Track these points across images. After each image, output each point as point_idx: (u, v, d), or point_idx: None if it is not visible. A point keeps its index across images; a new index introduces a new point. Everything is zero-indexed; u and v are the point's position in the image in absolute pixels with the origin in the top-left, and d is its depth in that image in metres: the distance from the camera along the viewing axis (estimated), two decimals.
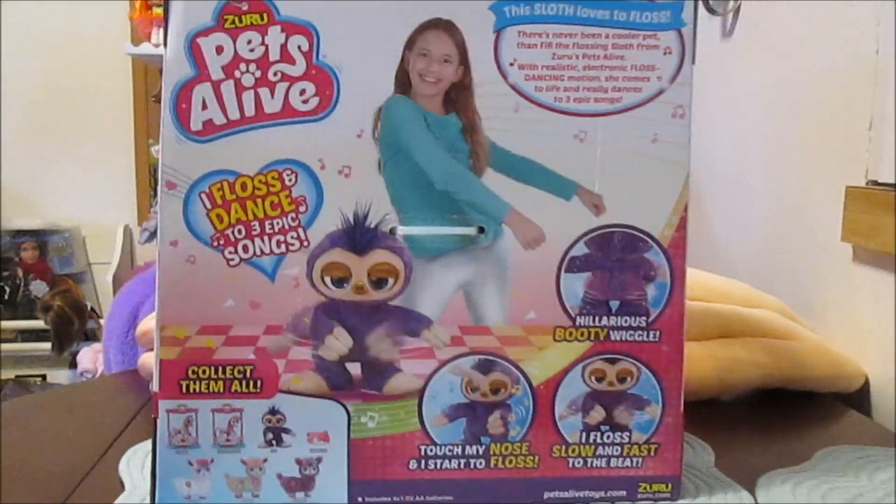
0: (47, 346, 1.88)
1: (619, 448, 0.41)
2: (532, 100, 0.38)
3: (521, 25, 0.38)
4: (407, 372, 0.39)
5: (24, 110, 2.02)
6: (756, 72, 0.90)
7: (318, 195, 0.38)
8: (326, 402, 0.39)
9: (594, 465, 0.41)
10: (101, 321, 1.89)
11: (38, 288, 1.97)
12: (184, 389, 0.38)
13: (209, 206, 0.37)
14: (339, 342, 0.39)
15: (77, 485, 0.43)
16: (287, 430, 0.39)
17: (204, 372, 0.38)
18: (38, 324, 1.90)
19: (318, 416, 0.39)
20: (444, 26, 0.37)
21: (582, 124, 0.39)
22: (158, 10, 1.64)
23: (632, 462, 0.41)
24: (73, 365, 1.85)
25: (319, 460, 0.40)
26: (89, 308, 1.96)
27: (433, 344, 0.39)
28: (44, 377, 1.93)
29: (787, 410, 0.61)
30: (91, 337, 1.94)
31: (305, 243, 0.38)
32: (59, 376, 1.92)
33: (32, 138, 2.02)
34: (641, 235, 0.40)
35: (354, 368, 0.39)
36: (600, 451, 0.41)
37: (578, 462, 0.41)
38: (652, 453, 0.41)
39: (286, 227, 0.38)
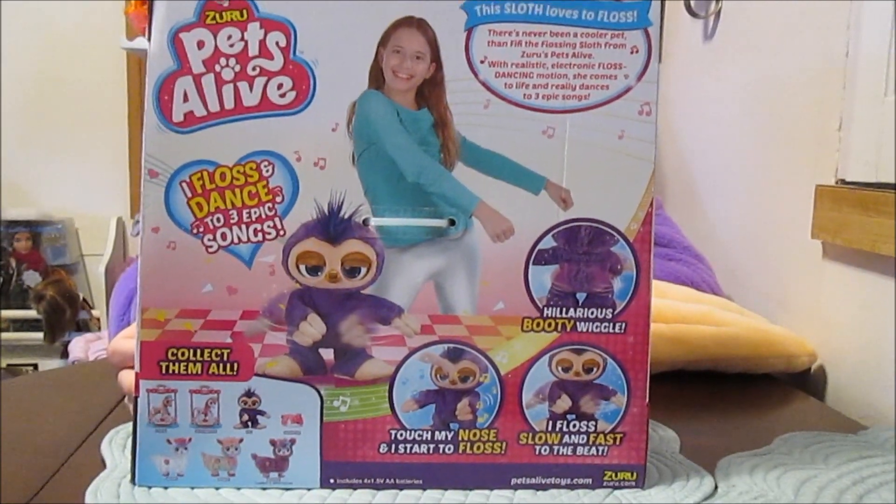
0: (39, 335, 1.90)
1: (585, 436, 0.42)
2: (502, 96, 0.39)
3: (492, 24, 0.39)
4: (378, 358, 0.41)
5: (19, 103, 2.03)
6: (735, 73, 0.92)
7: (293, 186, 0.39)
8: (300, 386, 0.41)
9: (560, 452, 0.42)
10: (94, 311, 1.92)
11: (31, 278, 1.99)
12: (163, 370, 0.40)
13: (189, 194, 0.39)
14: (312, 328, 0.40)
15: (62, 464, 0.44)
16: (262, 412, 0.41)
17: (183, 354, 0.40)
18: (31, 313, 1.92)
19: (291, 399, 0.41)
20: (416, 24, 0.39)
21: (550, 120, 0.40)
22: None
23: (597, 450, 0.42)
24: (64, 355, 1.82)
25: (293, 442, 0.41)
26: (81, 298, 1.97)
27: (403, 332, 0.41)
28: (35, 366, 1.94)
29: (748, 398, 0.63)
30: (83, 327, 1.96)
31: (281, 232, 0.40)
32: (50, 365, 1.93)
33: (27, 130, 2.03)
34: (608, 229, 0.41)
35: (327, 354, 0.41)
36: (566, 439, 0.42)
37: (545, 449, 0.42)
38: (618, 442, 0.42)
39: (263, 216, 0.39)
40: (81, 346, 1.29)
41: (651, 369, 0.64)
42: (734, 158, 0.91)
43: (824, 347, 0.70)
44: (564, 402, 0.42)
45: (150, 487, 0.41)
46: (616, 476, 0.42)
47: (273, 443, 0.41)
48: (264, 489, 0.41)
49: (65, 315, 1.86)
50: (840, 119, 0.69)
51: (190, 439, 0.41)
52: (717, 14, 0.96)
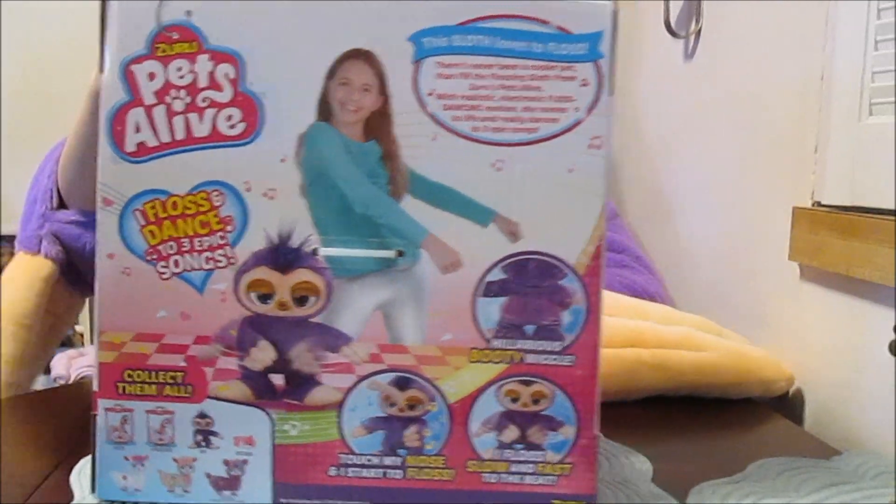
0: None
1: (534, 466, 0.42)
2: (449, 129, 0.39)
3: (440, 56, 0.39)
4: (327, 385, 0.41)
5: (4, 118, 1.98)
6: (714, 93, 0.92)
7: (244, 215, 0.40)
8: (252, 410, 0.42)
9: (508, 480, 0.42)
10: (77, 327, 1.87)
11: None
12: (120, 390, 0.41)
13: (143, 222, 0.40)
14: (263, 354, 0.41)
15: (29, 494, 0.45)
16: (215, 433, 0.42)
17: (139, 375, 0.41)
18: None
19: (243, 422, 0.42)
20: (364, 56, 0.39)
21: (499, 153, 0.39)
22: None
23: (546, 480, 0.42)
24: (47, 371, 1.86)
25: (245, 462, 0.42)
26: None
27: (352, 360, 0.41)
28: None
29: (725, 422, 0.64)
30: (65, 342, 1.93)
31: (232, 260, 0.40)
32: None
33: (12, 144, 1.98)
34: (557, 263, 0.40)
35: (278, 379, 0.41)
36: (514, 468, 0.42)
37: (493, 477, 0.42)
38: (566, 472, 0.42)
39: (214, 244, 0.40)
40: (64, 363, 1.29)
41: (630, 396, 0.66)
42: (713, 178, 0.92)
43: (802, 369, 0.70)
44: (512, 433, 0.42)
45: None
46: None
47: (226, 463, 0.42)
48: None
49: None
50: (816, 141, 0.68)
51: (147, 457, 0.42)
52: (697, 34, 0.96)
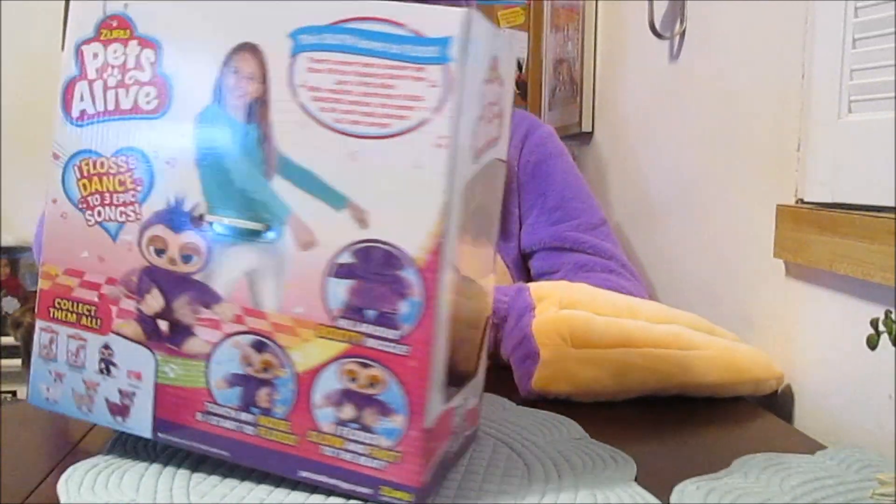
0: (18, 362, 1.84)
1: (366, 448, 0.44)
2: (315, 119, 0.43)
3: (312, 52, 0.43)
4: (199, 337, 0.46)
5: (3, 126, 1.98)
6: (699, 93, 0.94)
7: (151, 179, 0.47)
8: (141, 348, 0.48)
9: (342, 457, 0.45)
10: None
11: (10, 304, 1.93)
12: (50, 315, 0.50)
13: (78, 176, 0.48)
14: (153, 301, 0.47)
15: (25, 498, 0.46)
16: (114, 364, 0.49)
17: (64, 304, 0.49)
18: (9, 340, 1.86)
19: (135, 358, 0.48)
20: (250, 49, 0.44)
21: (355, 144, 0.42)
22: None
23: (376, 464, 0.44)
24: None
25: (134, 394, 0.48)
26: None
27: (221, 318, 0.46)
28: (14, 393, 1.88)
29: (713, 419, 0.65)
30: None
31: (139, 216, 0.47)
32: None
33: (4, 156, 1.96)
34: (398, 254, 0.42)
35: (163, 325, 0.47)
36: (349, 445, 0.44)
37: (330, 451, 0.45)
38: (395, 461, 0.44)
39: (127, 201, 0.47)
40: None
41: (620, 396, 0.67)
42: (698, 177, 0.93)
43: (790, 365, 0.71)
44: (349, 411, 0.44)
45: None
46: (392, 492, 0.44)
47: (120, 392, 0.49)
48: (115, 430, 0.49)
49: None
50: (798, 139, 0.69)
51: (64, 374, 0.50)
52: (682, 35, 0.97)
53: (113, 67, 0.47)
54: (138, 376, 0.48)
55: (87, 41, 0.47)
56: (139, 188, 0.47)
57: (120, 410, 0.49)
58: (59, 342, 0.50)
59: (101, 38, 0.47)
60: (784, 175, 0.72)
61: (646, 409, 0.65)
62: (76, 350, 0.50)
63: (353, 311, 0.43)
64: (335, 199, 0.43)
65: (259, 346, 0.45)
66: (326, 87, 0.43)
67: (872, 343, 0.46)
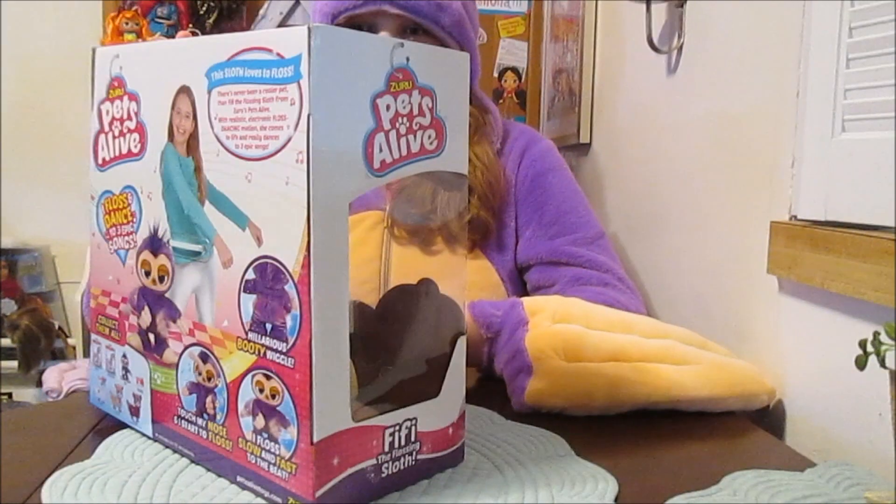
0: (14, 364, 1.82)
1: (274, 457, 0.46)
2: (225, 146, 0.47)
3: (219, 86, 0.47)
4: (171, 348, 0.52)
5: (3, 132, 1.95)
6: (696, 107, 0.93)
7: (140, 211, 0.54)
8: (142, 357, 0.55)
9: (260, 464, 0.47)
10: (70, 340, 1.85)
11: (8, 306, 1.91)
12: (97, 328, 0.60)
13: (103, 212, 0.58)
14: (145, 316, 0.55)
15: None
16: (129, 371, 0.57)
17: (101, 320, 0.59)
18: (6, 342, 1.84)
19: (139, 366, 0.56)
20: (185, 90, 0.49)
21: (248, 167, 0.45)
22: (130, 37, 1.67)
23: (281, 473, 0.45)
24: (40, 384, 1.67)
25: (140, 398, 0.56)
26: (57, 327, 1.91)
27: (181, 331, 0.51)
28: (10, 395, 1.86)
29: (703, 434, 0.63)
30: (58, 355, 1.88)
31: (135, 244, 0.55)
32: (25, 395, 1.85)
33: (3, 159, 1.95)
34: (281, 268, 0.44)
35: (152, 337, 0.54)
36: (263, 454, 0.46)
37: (252, 458, 0.47)
38: (294, 472, 0.45)
39: (128, 231, 0.56)
40: (56, 377, 1.23)
41: (612, 410, 0.67)
42: (694, 192, 0.92)
43: (781, 381, 0.71)
44: (260, 420, 0.46)
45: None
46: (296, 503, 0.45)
47: (133, 395, 0.57)
48: (132, 429, 0.57)
49: (39, 344, 1.80)
50: (793, 157, 0.69)
51: (105, 379, 0.60)
52: (680, 49, 0.96)
53: (115, 120, 0.56)
54: (141, 382, 0.56)
55: (103, 101, 0.57)
56: (134, 219, 0.55)
57: (135, 412, 0.57)
58: (102, 351, 0.60)
59: (109, 96, 0.56)
60: (778, 191, 0.72)
61: (637, 423, 0.64)
62: (110, 358, 0.59)
63: (258, 325, 0.46)
64: (240, 219, 0.46)
65: (204, 357, 0.50)
66: (229, 116, 0.46)
67: (861, 363, 0.44)
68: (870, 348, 0.41)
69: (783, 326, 0.72)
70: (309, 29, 0.41)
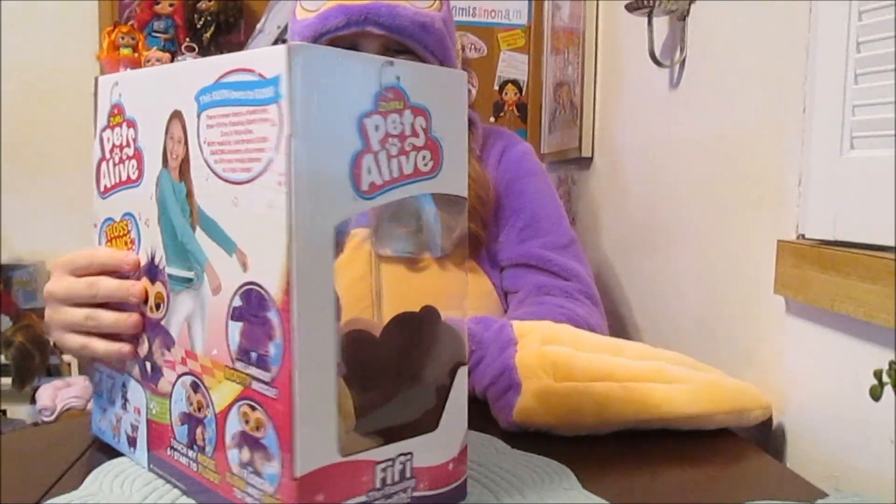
0: (8, 381, 1.80)
1: (259, 492, 0.44)
2: (213, 171, 0.46)
3: (208, 110, 0.46)
4: (166, 377, 0.51)
5: (3, 142, 1.91)
6: (699, 123, 0.91)
7: (139, 238, 0.54)
8: (139, 387, 0.54)
9: (246, 500, 0.45)
10: (64, 356, 1.82)
11: (2, 322, 1.89)
12: None
13: (105, 239, 0.57)
14: (144, 344, 0.54)
15: None
16: (128, 400, 0.56)
17: None
18: (0, 359, 1.83)
19: (137, 395, 0.55)
20: (177, 115, 0.48)
21: (235, 191, 0.44)
22: (125, 51, 1.66)
23: None
24: (34, 400, 1.70)
25: (137, 427, 0.55)
26: (51, 343, 1.85)
27: (175, 359, 0.50)
28: (4, 412, 1.85)
29: (701, 456, 0.62)
30: (52, 372, 1.85)
31: (136, 271, 0.54)
32: (19, 412, 1.82)
33: (9, 174, 1.92)
34: (265, 295, 0.42)
35: (148, 366, 0.53)
36: (248, 489, 0.45)
37: (239, 493, 0.45)
38: None
39: None
40: (49, 394, 1.16)
41: (601, 430, 0.66)
42: (698, 209, 0.91)
43: (788, 403, 0.70)
44: (245, 453, 0.45)
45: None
46: None
47: (131, 425, 0.56)
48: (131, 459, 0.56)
49: (34, 361, 1.77)
50: (800, 175, 0.67)
51: (106, 409, 0.59)
52: (682, 63, 0.95)
53: (115, 147, 0.56)
54: (138, 411, 0.55)
55: (104, 128, 0.57)
56: (134, 246, 0.54)
57: (133, 442, 0.56)
58: (104, 381, 0.59)
59: (110, 124, 0.56)
60: (785, 210, 0.70)
61: (627, 443, 0.63)
62: (111, 387, 0.58)
63: (244, 353, 0.44)
64: (228, 244, 0.45)
65: (195, 387, 0.49)
66: (217, 139, 0.45)
67: (876, 394, 0.41)
68: (885, 378, 0.37)
69: (790, 348, 0.70)
70: (289, 48, 0.40)
